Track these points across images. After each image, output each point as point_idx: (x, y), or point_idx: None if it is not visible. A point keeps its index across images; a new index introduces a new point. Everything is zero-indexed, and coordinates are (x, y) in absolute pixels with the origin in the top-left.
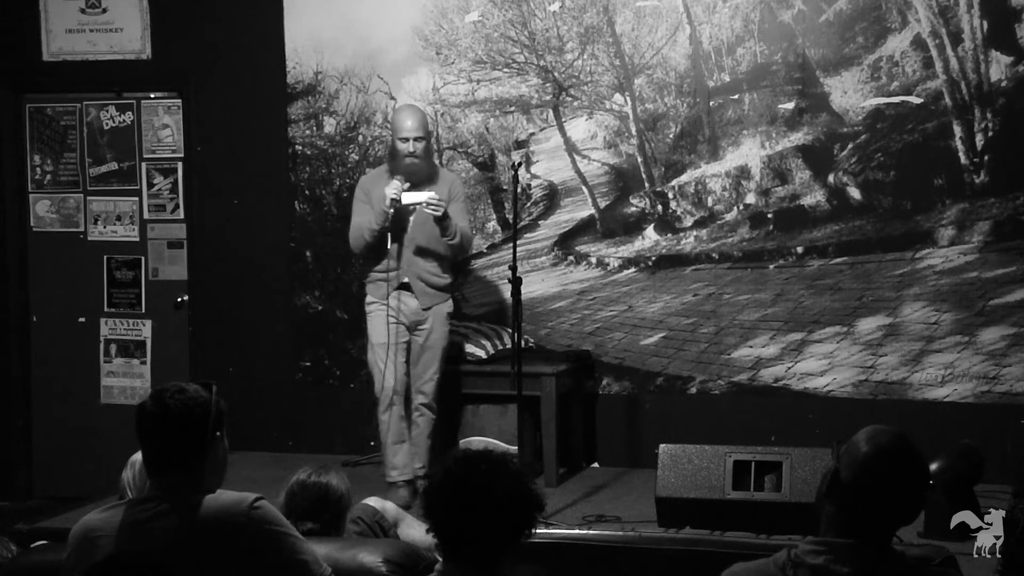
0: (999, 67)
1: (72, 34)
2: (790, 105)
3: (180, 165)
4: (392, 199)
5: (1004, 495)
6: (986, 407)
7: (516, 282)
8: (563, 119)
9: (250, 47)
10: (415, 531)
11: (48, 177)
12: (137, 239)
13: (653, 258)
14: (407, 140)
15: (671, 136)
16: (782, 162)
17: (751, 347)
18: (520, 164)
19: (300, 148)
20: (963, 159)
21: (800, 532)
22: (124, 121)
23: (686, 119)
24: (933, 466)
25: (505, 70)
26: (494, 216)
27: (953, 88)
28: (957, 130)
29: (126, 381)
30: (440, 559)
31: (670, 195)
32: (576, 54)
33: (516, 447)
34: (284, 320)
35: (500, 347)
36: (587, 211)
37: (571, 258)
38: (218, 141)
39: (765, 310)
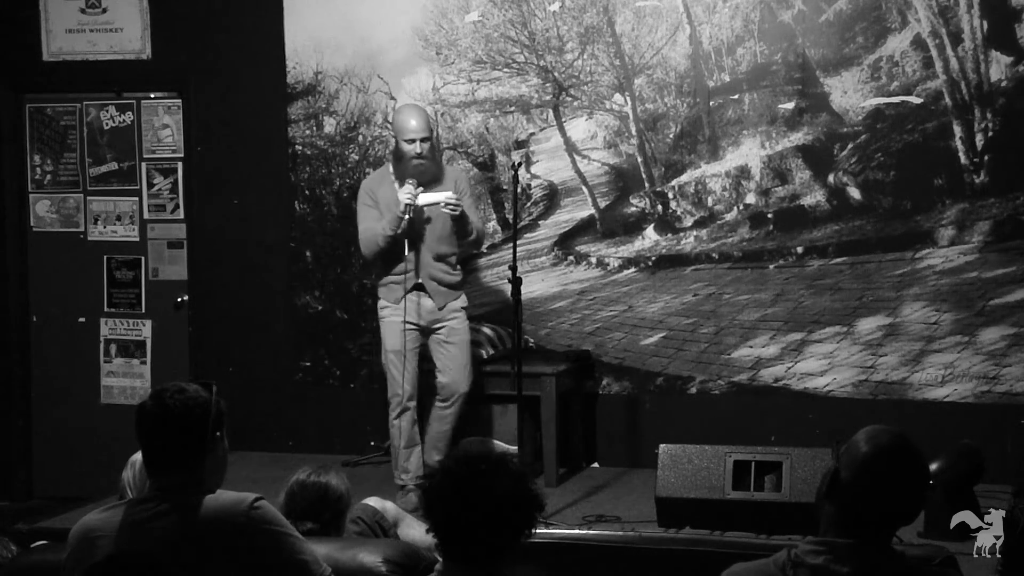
0: (999, 67)
1: (72, 34)
2: (790, 105)
3: (180, 165)
4: (407, 204)
5: (1004, 495)
6: (986, 407)
7: (516, 282)
8: (563, 119)
9: (250, 47)
10: (415, 531)
11: (48, 177)
12: (137, 239)
13: (653, 258)
14: (413, 141)
15: (671, 136)
16: (782, 162)
17: (751, 347)
18: (520, 164)
19: (300, 148)
20: (963, 159)
21: (800, 532)
22: (124, 121)
23: (686, 119)
24: (933, 466)
25: (505, 70)
26: (494, 216)
27: (953, 88)
28: (957, 130)
29: (126, 381)
30: (440, 559)
31: (670, 195)
32: (576, 54)
33: (516, 447)
34: (284, 320)
35: (500, 347)
36: (587, 211)
37: (571, 258)
38: (218, 141)
39: (765, 310)
